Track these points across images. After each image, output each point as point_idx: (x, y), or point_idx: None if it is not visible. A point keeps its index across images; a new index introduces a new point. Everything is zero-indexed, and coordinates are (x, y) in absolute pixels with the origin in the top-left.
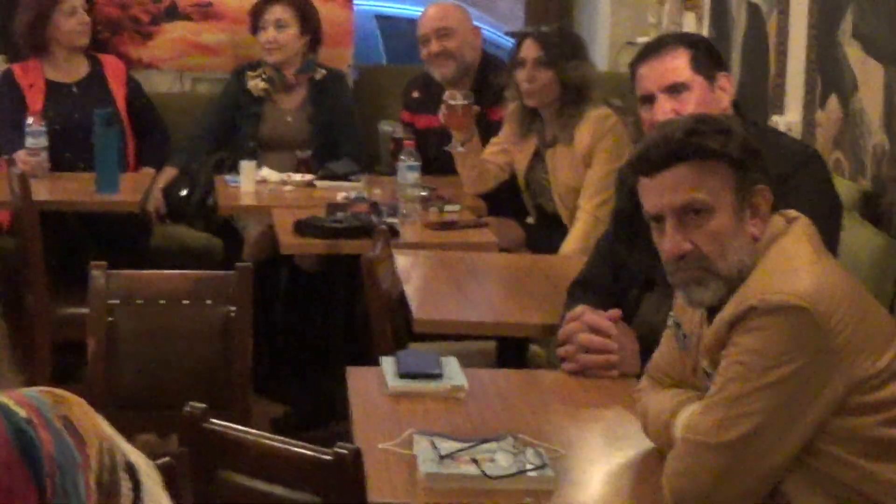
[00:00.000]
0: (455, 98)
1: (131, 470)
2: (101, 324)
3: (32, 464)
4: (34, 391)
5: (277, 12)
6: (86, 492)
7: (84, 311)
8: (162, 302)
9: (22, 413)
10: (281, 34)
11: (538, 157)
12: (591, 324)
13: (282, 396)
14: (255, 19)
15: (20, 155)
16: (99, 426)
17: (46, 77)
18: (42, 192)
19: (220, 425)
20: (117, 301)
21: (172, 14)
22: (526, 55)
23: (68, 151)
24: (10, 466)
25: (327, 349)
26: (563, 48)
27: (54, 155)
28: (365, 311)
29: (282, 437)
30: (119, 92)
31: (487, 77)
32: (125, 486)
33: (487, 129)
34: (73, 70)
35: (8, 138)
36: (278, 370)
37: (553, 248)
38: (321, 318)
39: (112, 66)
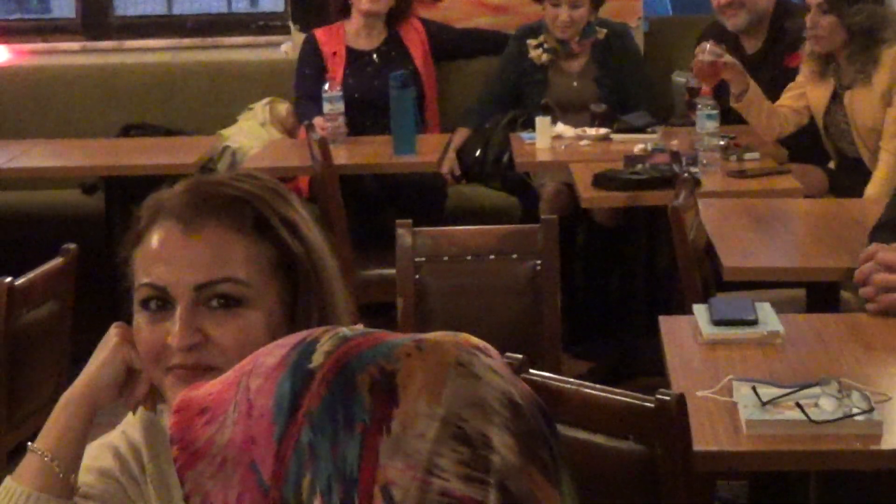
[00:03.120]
0: (703, 52)
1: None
2: (409, 282)
3: (282, 418)
4: (400, 339)
5: None
6: (359, 457)
7: (386, 271)
8: (468, 258)
9: (315, 364)
10: (575, 13)
11: (836, 99)
12: (885, 262)
13: (585, 353)
14: None
15: (318, 121)
16: (458, 395)
17: (347, 44)
18: (341, 156)
19: (539, 375)
20: (423, 259)
21: None
22: (811, 0)
23: (368, 119)
24: (263, 416)
25: (627, 304)
26: None
27: (354, 123)
28: (665, 264)
29: (602, 386)
30: (418, 54)
31: (782, 23)
32: (449, 458)
33: (784, 75)
34: (373, 37)
35: (307, 105)
36: (580, 327)
37: (857, 192)
38: (620, 272)
39: (410, 30)
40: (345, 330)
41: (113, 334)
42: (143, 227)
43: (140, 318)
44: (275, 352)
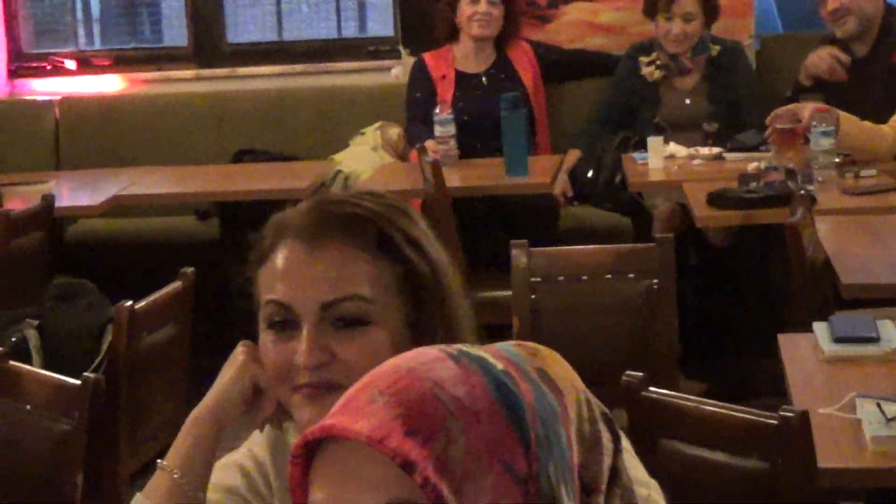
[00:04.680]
0: (783, 116)
1: (608, 421)
2: (524, 303)
3: (514, 415)
4: (507, 345)
5: (687, 5)
6: (567, 442)
7: (500, 293)
8: (584, 278)
9: (499, 366)
10: (688, 26)
11: None
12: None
13: (700, 373)
14: (658, 7)
15: (430, 144)
16: (574, 377)
17: (456, 68)
18: (453, 179)
19: (659, 393)
20: (539, 279)
21: None
22: None
23: (478, 141)
24: (494, 418)
25: (742, 324)
26: None
27: (464, 145)
28: (781, 282)
29: (723, 403)
30: (527, 76)
31: (891, 25)
32: (605, 437)
33: (893, 74)
34: (482, 60)
35: (418, 129)
36: (694, 347)
37: None
38: (734, 292)
39: (518, 52)
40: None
41: (240, 352)
42: (267, 247)
43: (266, 336)
44: (440, 364)
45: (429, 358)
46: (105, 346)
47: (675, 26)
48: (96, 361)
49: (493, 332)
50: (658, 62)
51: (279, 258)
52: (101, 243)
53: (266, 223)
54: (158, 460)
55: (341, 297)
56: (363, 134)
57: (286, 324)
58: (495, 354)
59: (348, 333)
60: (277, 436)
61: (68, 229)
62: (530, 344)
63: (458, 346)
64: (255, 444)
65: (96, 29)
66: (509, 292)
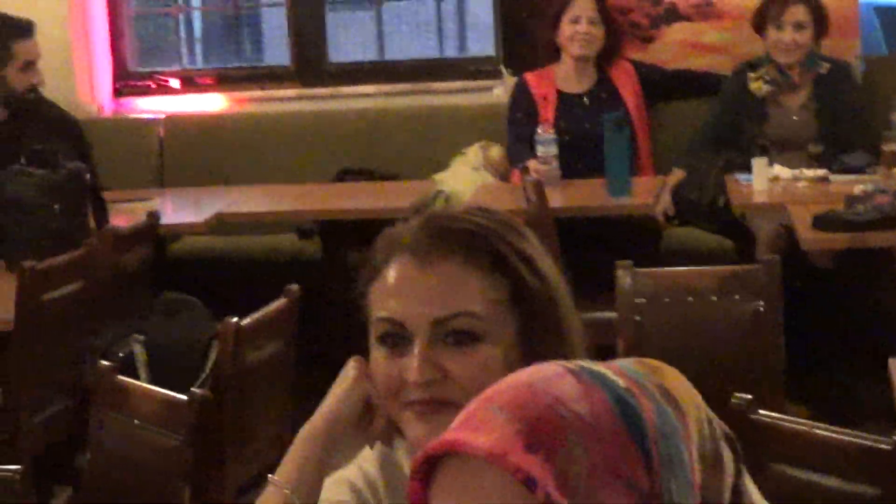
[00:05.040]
0: None
1: (730, 440)
2: (629, 323)
3: (636, 432)
4: (627, 362)
5: (798, 13)
6: (689, 461)
7: (602, 314)
8: (689, 299)
9: (620, 382)
10: (800, 36)
11: None
12: None
13: (806, 397)
14: (768, 18)
15: (532, 164)
16: (695, 395)
17: (558, 87)
18: (555, 199)
19: (769, 416)
20: (644, 300)
21: (672, 16)
22: None
23: (580, 161)
24: (616, 434)
25: (848, 347)
26: None
27: (566, 165)
28: (888, 305)
29: (835, 427)
30: (629, 96)
31: None
32: (727, 456)
33: None
34: (583, 80)
35: (520, 148)
36: (799, 371)
37: None
38: (839, 315)
39: (620, 72)
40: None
41: (351, 368)
42: (379, 262)
43: (377, 353)
44: (561, 380)
45: (549, 373)
46: (210, 362)
47: (787, 35)
48: (202, 377)
49: (597, 351)
50: (767, 77)
51: (391, 274)
52: (204, 261)
53: (376, 239)
54: (269, 475)
55: (453, 313)
56: (464, 154)
57: (398, 340)
58: (616, 371)
59: (460, 350)
60: (387, 453)
61: (171, 247)
62: (651, 361)
63: (578, 362)
64: (365, 461)
65: (199, 48)
66: (613, 313)
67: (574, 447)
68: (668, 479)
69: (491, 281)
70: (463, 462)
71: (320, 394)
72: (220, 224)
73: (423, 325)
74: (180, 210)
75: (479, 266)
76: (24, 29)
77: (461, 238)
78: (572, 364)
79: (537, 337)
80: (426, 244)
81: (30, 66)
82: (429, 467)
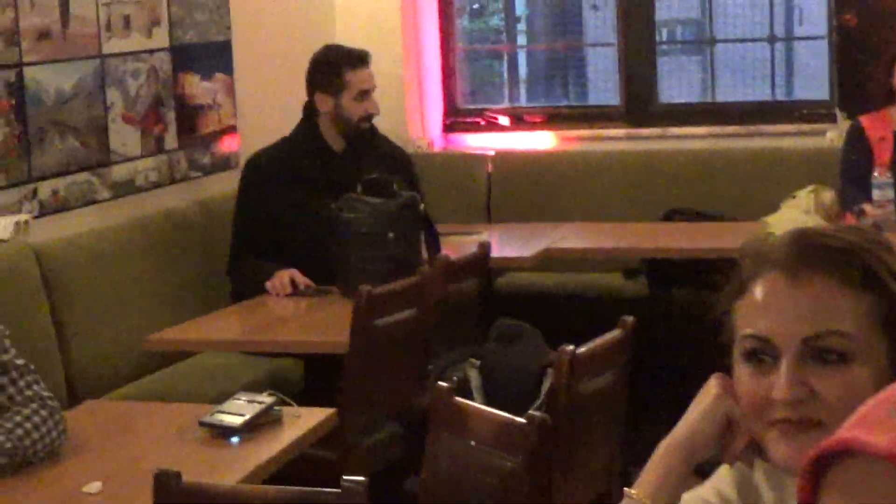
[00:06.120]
0: None
1: None
2: None
3: None
4: None
5: None
6: None
7: None
8: None
9: None
10: None
11: None
12: None
13: None
14: None
15: (868, 207)
16: None
17: (894, 130)
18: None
19: None
20: None
21: None
22: None
23: None
24: None
25: None
26: None
27: None
28: None
29: None
30: None
31: None
32: None
33: None
34: None
35: (853, 192)
36: None
37: None
38: None
39: None
40: None
41: (713, 385)
42: (745, 278)
43: (742, 370)
44: None
45: None
46: (545, 389)
47: None
48: (535, 404)
49: None
50: None
51: (759, 290)
52: (529, 296)
53: (741, 252)
54: (626, 489)
55: (823, 331)
56: (795, 197)
57: (764, 357)
58: None
59: (829, 369)
60: (744, 473)
61: (497, 280)
62: None
63: None
64: (721, 481)
65: (523, 88)
66: None
67: None
68: None
69: (863, 300)
70: (857, 461)
71: (644, 431)
72: (546, 260)
73: (791, 342)
74: (506, 244)
75: (851, 284)
76: (356, 58)
77: (833, 255)
78: None
79: None
80: (797, 261)
81: (364, 95)
82: (819, 467)
